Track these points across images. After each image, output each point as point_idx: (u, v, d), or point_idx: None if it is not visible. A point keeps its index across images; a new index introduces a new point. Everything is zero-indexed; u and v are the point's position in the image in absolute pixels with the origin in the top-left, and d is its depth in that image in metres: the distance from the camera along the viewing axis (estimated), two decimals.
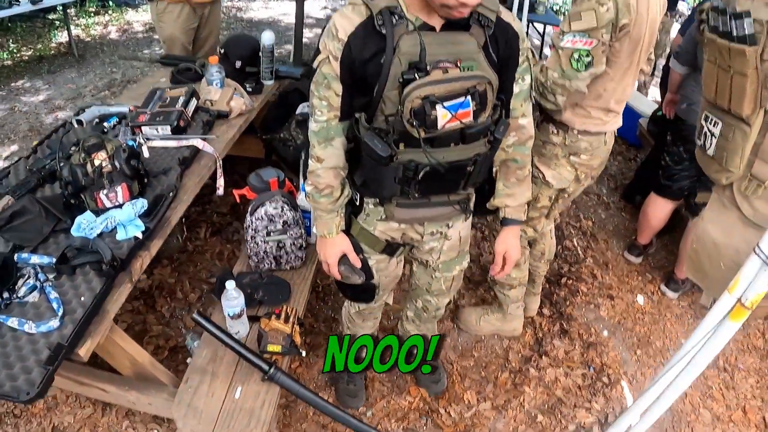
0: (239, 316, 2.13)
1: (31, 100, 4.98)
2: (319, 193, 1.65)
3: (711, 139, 1.74)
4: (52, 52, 5.96)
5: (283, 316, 2.14)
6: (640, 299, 3.17)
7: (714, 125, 1.71)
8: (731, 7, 1.53)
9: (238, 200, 2.46)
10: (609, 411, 2.53)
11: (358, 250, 1.79)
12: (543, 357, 2.72)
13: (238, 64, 3.09)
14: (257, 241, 2.32)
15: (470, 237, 1.98)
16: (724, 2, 1.58)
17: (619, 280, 3.28)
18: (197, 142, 2.46)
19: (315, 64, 1.50)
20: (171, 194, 2.17)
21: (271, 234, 2.30)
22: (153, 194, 2.16)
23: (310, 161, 1.62)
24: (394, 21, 1.37)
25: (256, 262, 2.41)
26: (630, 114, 4.45)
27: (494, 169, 1.77)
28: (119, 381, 2.09)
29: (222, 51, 3.14)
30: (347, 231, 1.78)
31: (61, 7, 5.89)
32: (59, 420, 2.30)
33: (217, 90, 2.79)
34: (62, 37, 5.96)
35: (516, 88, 1.59)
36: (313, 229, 2.37)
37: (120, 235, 1.95)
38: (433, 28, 1.40)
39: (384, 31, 1.37)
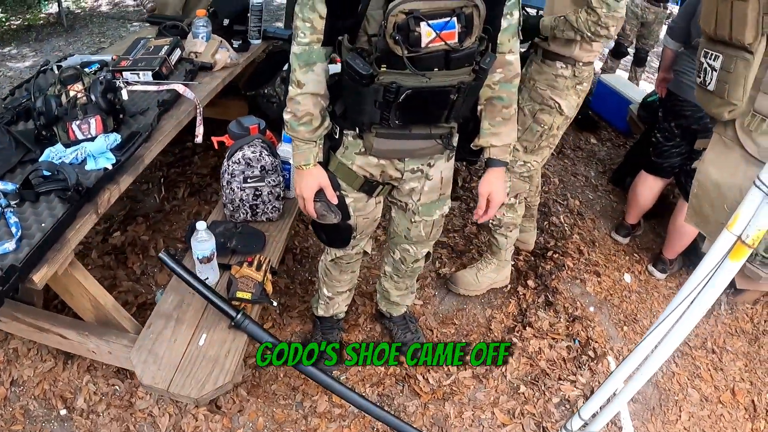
0: (209, 260, 2.06)
1: (17, 65, 4.89)
2: (297, 122, 1.59)
3: (711, 73, 1.69)
4: (41, 21, 5.87)
5: (255, 263, 2.08)
6: (627, 278, 3.10)
7: (714, 59, 1.67)
8: None
9: (216, 146, 2.39)
10: (594, 385, 2.46)
11: (336, 186, 1.73)
12: (527, 328, 2.65)
13: (226, 22, 3.02)
14: (233, 187, 2.24)
15: (454, 196, 1.91)
16: None
17: (606, 258, 3.21)
18: (178, 87, 2.38)
19: None
20: (146, 132, 2.10)
21: (248, 180, 2.22)
22: (128, 131, 2.09)
23: (290, 87, 1.58)
24: None
25: (232, 211, 2.33)
26: (620, 101, 4.43)
27: (479, 108, 1.70)
28: (80, 326, 2.02)
29: (211, 9, 3.06)
30: (326, 167, 1.72)
31: None
32: (18, 373, 2.21)
33: (203, 42, 2.71)
34: (52, 7, 5.86)
35: (504, 23, 1.53)
36: (293, 176, 2.29)
37: (89, 166, 1.87)
38: None
39: None
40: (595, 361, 2.55)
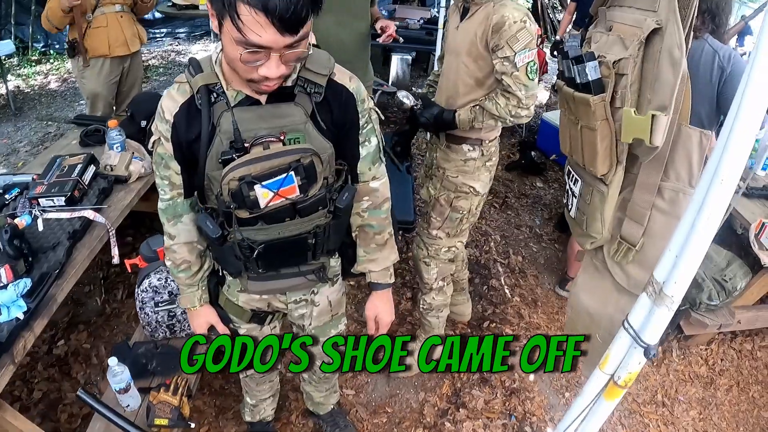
0: (126, 390, 2.10)
1: None
2: (176, 269, 1.63)
3: (571, 198, 1.62)
4: None
5: (172, 387, 2.13)
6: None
7: (574, 183, 1.58)
8: (588, 48, 1.40)
9: (130, 270, 2.41)
10: None
11: (227, 320, 1.76)
12: (460, 409, 2.66)
13: (144, 123, 3.05)
14: (146, 311, 2.27)
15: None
16: (587, 39, 1.44)
17: (549, 318, 3.23)
18: (88, 213, 2.40)
19: (150, 146, 1.47)
20: (56, 272, 2.11)
21: (160, 305, 2.25)
22: (39, 271, 2.10)
23: (165, 237, 1.61)
24: (212, 98, 1.33)
25: (151, 331, 2.36)
26: None
27: (353, 234, 1.73)
28: None
29: (128, 111, 3.10)
30: (216, 302, 1.75)
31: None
32: None
33: (117, 154, 2.73)
34: (1, 88, 5.89)
35: (362, 151, 1.53)
36: None
37: (2, 317, 1.88)
38: (258, 102, 1.35)
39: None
40: None
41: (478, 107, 2.12)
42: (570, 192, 1.63)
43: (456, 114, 2.17)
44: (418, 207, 4.06)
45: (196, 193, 1.47)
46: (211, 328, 1.75)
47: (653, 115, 1.12)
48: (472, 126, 2.16)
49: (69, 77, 6.43)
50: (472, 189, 2.34)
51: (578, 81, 1.33)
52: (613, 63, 1.27)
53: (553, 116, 4.75)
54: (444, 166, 2.35)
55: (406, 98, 2.28)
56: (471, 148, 2.28)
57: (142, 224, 3.54)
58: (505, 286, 3.42)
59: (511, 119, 2.07)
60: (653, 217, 1.28)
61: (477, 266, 3.53)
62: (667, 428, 2.66)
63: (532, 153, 4.59)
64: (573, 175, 1.59)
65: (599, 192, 1.42)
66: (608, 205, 1.41)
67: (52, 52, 7.13)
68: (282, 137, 1.34)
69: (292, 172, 1.31)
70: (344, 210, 1.49)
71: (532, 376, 2.86)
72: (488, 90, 2.13)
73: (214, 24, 1.17)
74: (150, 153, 2.87)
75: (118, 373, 2.04)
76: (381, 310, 1.77)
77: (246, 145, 1.32)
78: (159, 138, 1.42)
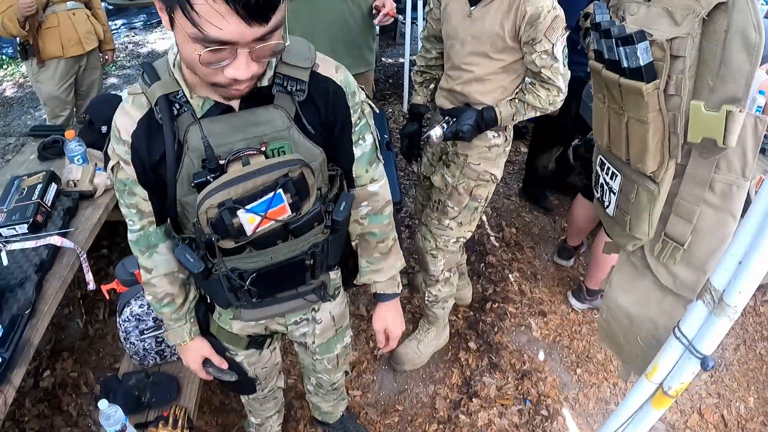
0: (123, 431, 1.94)
1: None
2: (159, 304, 1.44)
3: (609, 194, 1.40)
4: None
5: (171, 420, 1.97)
6: (576, 305, 3.00)
7: (612, 177, 1.36)
8: (619, 21, 1.17)
9: (108, 297, 2.23)
10: None
11: (222, 350, 1.59)
12: (473, 399, 2.55)
13: (104, 128, 2.83)
14: (132, 341, 2.10)
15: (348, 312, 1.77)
16: (613, 7, 1.22)
17: (550, 292, 3.12)
18: (55, 239, 2.20)
19: (108, 171, 1.26)
20: (27, 312, 1.93)
21: (145, 332, 2.08)
22: (9, 314, 1.92)
23: (141, 271, 1.41)
24: (175, 110, 1.11)
25: (140, 360, 2.19)
26: None
27: (353, 243, 1.56)
28: None
29: (86, 117, 2.87)
30: (207, 330, 1.58)
31: None
32: None
33: (78, 168, 2.52)
34: None
35: (357, 151, 1.33)
36: None
37: None
38: (231, 108, 1.13)
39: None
40: (549, 420, 2.47)
41: (518, 101, 2.00)
42: (605, 187, 1.41)
43: (497, 111, 2.01)
44: (403, 186, 3.91)
45: (169, 220, 1.28)
46: (207, 361, 1.58)
47: (728, 112, 0.94)
48: (514, 119, 2.03)
49: (25, 82, 6.06)
50: (492, 176, 2.20)
51: (625, 65, 1.10)
52: (667, 40, 1.05)
53: None
54: (466, 153, 2.16)
55: (437, 130, 2.07)
56: (496, 135, 2.13)
57: (116, 233, 3.33)
58: (504, 262, 3.30)
59: (551, 107, 1.98)
60: (702, 212, 1.10)
61: (472, 243, 3.39)
62: (679, 396, 2.59)
63: None
64: (609, 168, 1.37)
65: (647, 191, 1.21)
66: (658, 205, 1.21)
67: (3, 57, 6.70)
68: (263, 148, 1.14)
69: (281, 190, 1.11)
70: (342, 222, 1.31)
71: (541, 355, 2.77)
72: (516, 74, 2.00)
73: (164, 20, 0.94)
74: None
75: (110, 415, 1.87)
76: (390, 322, 1.62)
77: (221, 162, 1.11)
78: (118, 162, 1.21)
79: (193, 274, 1.29)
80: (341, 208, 1.29)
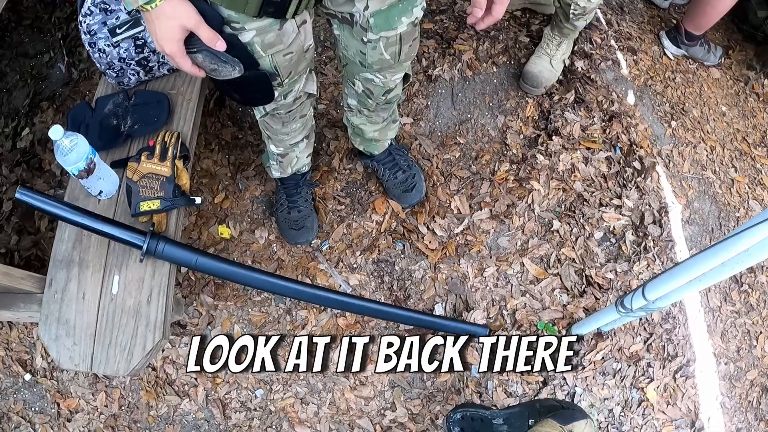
0: (89, 171, 1.33)
1: None
2: None
3: None
4: None
5: (158, 149, 1.42)
6: (670, 48, 2.33)
7: None
8: None
9: None
10: (645, 209, 1.89)
11: (216, 19, 0.98)
12: (553, 137, 1.98)
13: None
14: (101, 47, 1.43)
15: None
16: None
17: (640, 29, 2.42)
18: None
19: None
20: None
21: (117, 32, 1.38)
22: None
23: None
24: None
25: (117, 78, 1.54)
26: None
27: None
28: None
29: None
30: None
31: None
32: None
33: None
34: None
35: None
36: None
37: None
38: None
39: None
40: (642, 176, 1.96)
41: None
42: None
43: None
44: None
45: None
46: (192, 40, 0.96)
47: None
48: None
49: None
50: None
51: None
52: None
53: None
54: None
55: None
56: None
57: None
58: None
59: None
60: None
61: None
62: None
63: None
64: None
65: None
66: None
67: None
68: None
69: None
70: None
71: (631, 98, 2.16)
72: None
73: None
74: None
75: (67, 149, 1.26)
76: None
77: None
78: None
79: None
80: None
